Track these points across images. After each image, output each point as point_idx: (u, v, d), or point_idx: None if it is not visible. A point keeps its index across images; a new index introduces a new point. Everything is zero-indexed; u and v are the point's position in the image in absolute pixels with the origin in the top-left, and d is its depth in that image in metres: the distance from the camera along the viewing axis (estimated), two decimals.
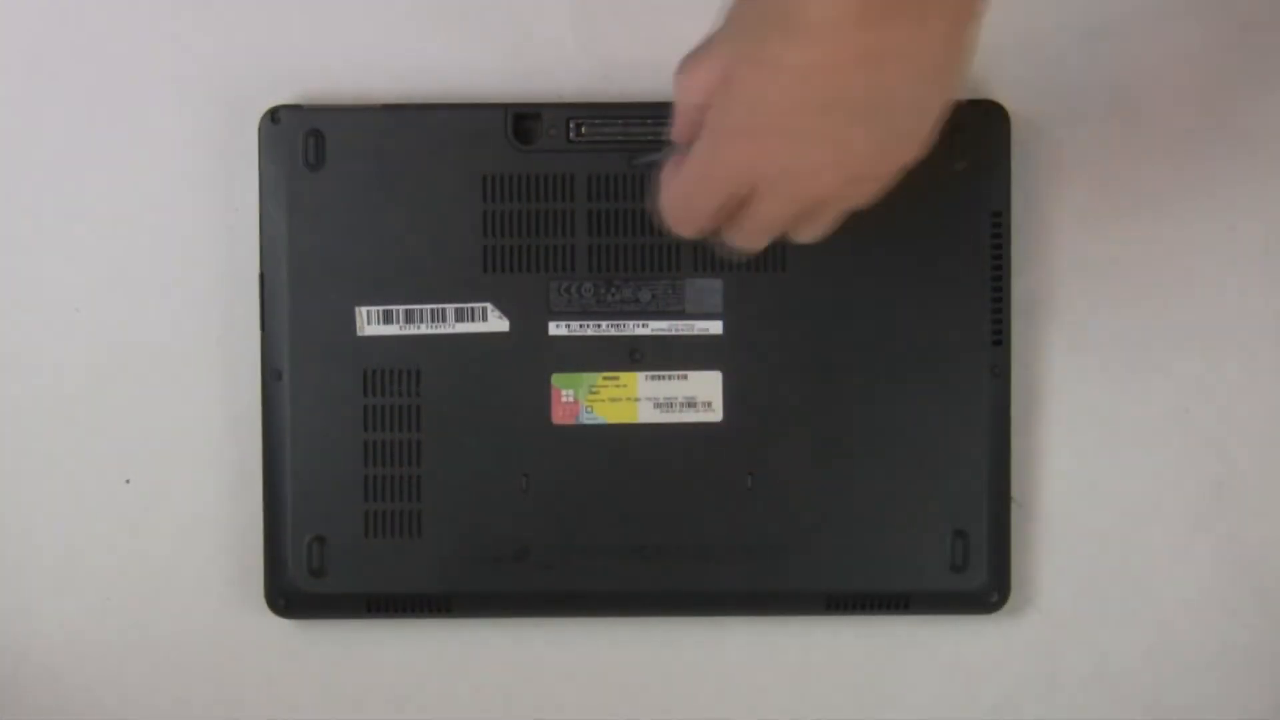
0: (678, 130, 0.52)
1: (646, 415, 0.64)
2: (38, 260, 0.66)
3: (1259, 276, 0.66)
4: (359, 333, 0.64)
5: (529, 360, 0.64)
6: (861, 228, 0.63)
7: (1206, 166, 0.66)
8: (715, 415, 0.64)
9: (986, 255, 0.63)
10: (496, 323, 0.64)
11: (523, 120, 0.64)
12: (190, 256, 0.65)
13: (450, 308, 0.64)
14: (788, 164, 0.49)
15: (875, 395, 0.63)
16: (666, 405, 0.64)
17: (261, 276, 0.64)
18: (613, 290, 0.64)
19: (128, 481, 0.66)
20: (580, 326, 0.64)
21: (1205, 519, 0.66)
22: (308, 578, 0.63)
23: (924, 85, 0.47)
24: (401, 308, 0.64)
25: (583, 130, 0.64)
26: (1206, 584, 0.66)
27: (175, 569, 0.66)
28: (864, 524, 0.63)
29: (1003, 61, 0.65)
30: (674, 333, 0.64)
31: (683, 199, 0.52)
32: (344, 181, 0.64)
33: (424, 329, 0.64)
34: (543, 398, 0.64)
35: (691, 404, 0.64)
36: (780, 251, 0.63)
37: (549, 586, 0.63)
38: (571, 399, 0.63)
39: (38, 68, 0.66)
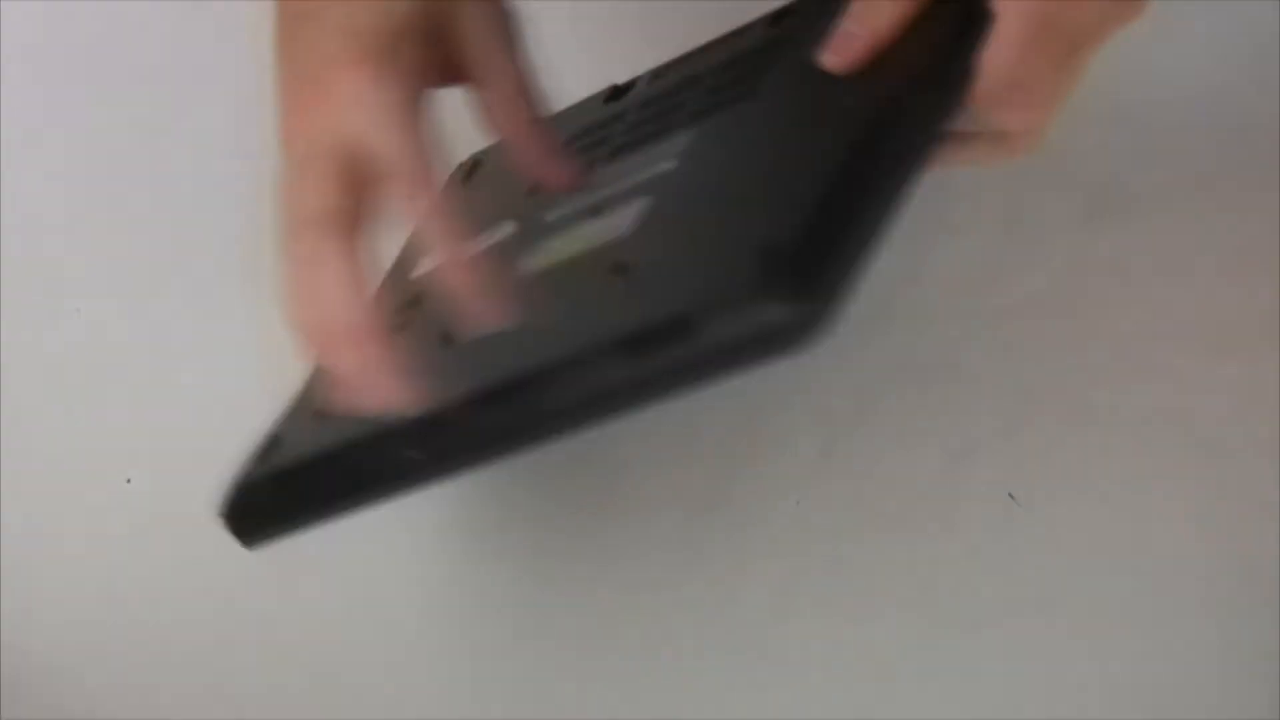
0: None
1: None
2: (38, 260, 0.66)
3: (1259, 276, 0.66)
4: None
5: None
6: None
7: (1206, 166, 0.66)
8: None
9: None
10: None
11: None
12: (188, 256, 0.66)
13: None
14: None
15: None
16: None
17: None
18: None
19: (128, 481, 0.66)
20: None
21: (1205, 519, 0.65)
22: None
23: None
24: None
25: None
26: (1206, 584, 0.65)
27: (175, 569, 0.66)
28: None
29: None
30: None
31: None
32: None
33: None
34: None
35: None
36: None
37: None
38: None
39: (39, 69, 0.66)
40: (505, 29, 0.54)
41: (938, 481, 0.65)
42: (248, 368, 0.64)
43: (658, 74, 0.63)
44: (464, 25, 0.53)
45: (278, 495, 0.58)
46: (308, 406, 0.60)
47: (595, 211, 0.55)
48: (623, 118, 0.62)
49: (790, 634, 0.63)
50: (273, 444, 0.60)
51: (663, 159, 0.56)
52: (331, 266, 0.50)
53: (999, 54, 0.51)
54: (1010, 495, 0.64)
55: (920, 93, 0.50)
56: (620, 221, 0.53)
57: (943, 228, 0.69)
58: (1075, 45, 0.52)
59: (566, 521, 0.65)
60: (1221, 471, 0.65)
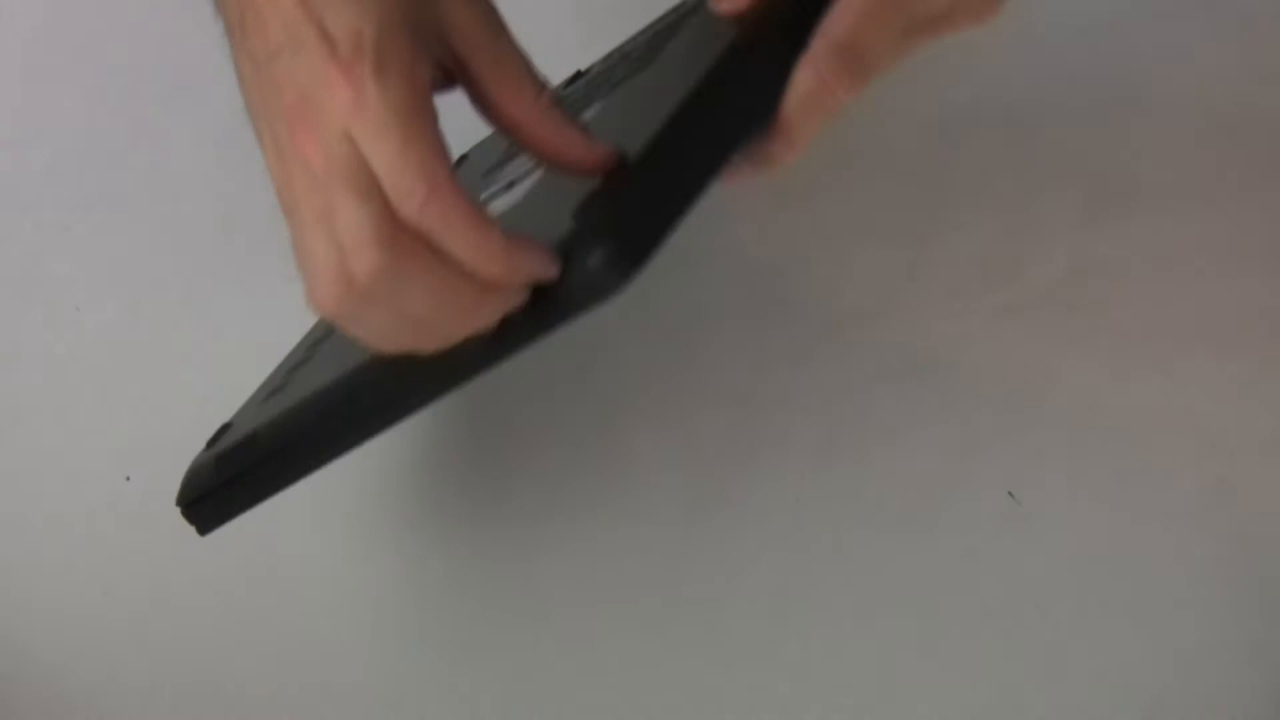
0: None
1: None
2: (37, 260, 0.66)
3: (1259, 276, 0.66)
4: None
5: None
6: None
7: (1207, 166, 0.66)
8: None
9: None
10: None
11: None
12: (188, 256, 0.66)
13: None
14: None
15: None
16: None
17: None
18: None
19: (128, 479, 0.66)
20: None
21: (1205, 519, 0.65)
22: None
23: None
24: None
25: None
26: (1206, 584, 0.65)
27: (173, 567, 0.66)
28: None
29: (1002, 60, 0.65)
30: None
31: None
32: None
33: None
34: None
35: None
36: None
37: None
38: None
39: (39, 68, 0.66)
40: (494, 14, 0.51)
41: (938, 481, 0.65)
42: (247, 367, 0.64)
43: (610, 55, 0.64)
44: (452, 14, 0.49)
45: (218, 477, 0.59)
46: (261, 394, 0.61)
47: (509, 186, 0.57)
48: (567, 99, 0.63)
49: (790, 633, 0.63)
50: (223, 431, 0.61)
51: None
52: (419, 285, 0.46)
53: (842, 18, 0.49)
54: (1010, 495, 0.64)
55: (762, 50, 0.50)
56: (519, 194, 0.54)
57: (943, 227, 0.69)
58: (917, 28, 0.50)
59: (566, 520, 0.65)
60: (1222, 472, 0.65)
